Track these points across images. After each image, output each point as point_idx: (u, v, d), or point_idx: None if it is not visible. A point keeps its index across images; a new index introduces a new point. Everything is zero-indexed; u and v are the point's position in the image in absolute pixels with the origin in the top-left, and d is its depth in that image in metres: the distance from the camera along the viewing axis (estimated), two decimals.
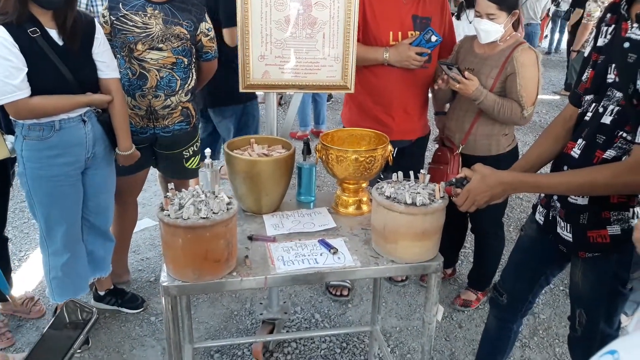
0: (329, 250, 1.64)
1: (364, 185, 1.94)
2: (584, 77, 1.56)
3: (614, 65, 1.42)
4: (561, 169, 1.56)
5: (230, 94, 2.98)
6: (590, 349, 1.64)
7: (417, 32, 2.44)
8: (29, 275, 3.02)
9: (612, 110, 1.42)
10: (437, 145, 2.76)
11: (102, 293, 2.69)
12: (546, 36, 11.19)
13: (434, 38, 2.37)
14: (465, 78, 2.33)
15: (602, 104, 1.45)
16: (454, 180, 1.63)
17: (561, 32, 10.88)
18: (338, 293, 2.88)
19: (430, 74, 2.59)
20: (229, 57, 2.89)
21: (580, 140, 1.51)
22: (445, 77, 2.38)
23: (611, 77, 1.43)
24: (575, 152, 1.51)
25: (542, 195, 1.70)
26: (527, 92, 2.33)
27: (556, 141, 1.65)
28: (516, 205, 4.09)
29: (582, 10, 7.23)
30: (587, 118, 1.51)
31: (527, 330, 2.70)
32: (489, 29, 2.35)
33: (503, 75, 2.37)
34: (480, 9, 2.35)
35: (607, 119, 1.43)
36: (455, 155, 2.53)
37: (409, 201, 1.55)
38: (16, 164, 2.28)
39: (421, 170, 1.71)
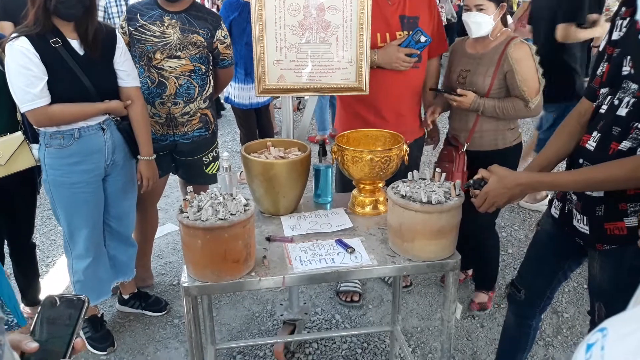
0: (346, 250, 1.66)
1: (380, 185, 1.96)
2: (599, 71, 1.56)
3: (629, 57, 1.42)
4: (577, 162, 1.56)
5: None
6: None
7: (406, 33, 2.43)
8: (56, 280, 3.11)
9: (628, 102, 1.41)
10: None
11: (126, 297, 2.75)
12: None
13: (423, 38, 2.36)
14: (459, 95, 2.39)
15: (617, 96, 1.45)
16: (471, 182, 1.64)
17: None
18: (348, 299, 2.85)
19: (421, 74, 2.58)
20: None
21: (595, 133, 1.50)
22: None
23: (626, 69, 1.43)
24: (591, 144, 1.51)
25: None
26: (528, 85, 2.35)
27: (572, 137, 1.65)
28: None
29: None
30: (602, 111, 1.51)
31: (551, 329, 2.68)
32: (479, 20, 2.36)
33: (500, 73, 2.39)
34: (468, 1, 2.38)
35: (622, 111, 1.42)
36: (461, 153, 2.53)
37: (424, 199, 1.56)
38: None
39: (437, 169, 1.73)
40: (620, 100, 1.44)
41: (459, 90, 2.39)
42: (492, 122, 2.48)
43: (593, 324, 1.68)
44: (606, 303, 1.60)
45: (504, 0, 2.38)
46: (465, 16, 2.40)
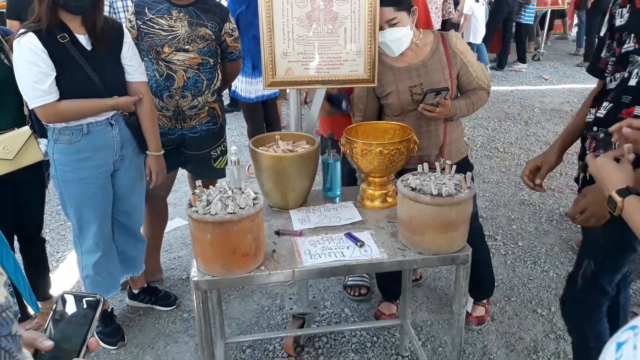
0: (356, 243, 1.65)
1: (390, 178, 1.94)
2: (603, 54, 1.69)
3: (632, 35, 1.55)
4: (590, 130, 1.66)
5: None
6: (584, 306, 1.73)
7: None
8: (66, 275, 3.12)
9: (637, 73, 1.52)
10: None
11: (136, 291, 2.76)
12: (577, 24, 10.46)
13: None
14: (436, 105, 2.09)
15: (627, 70, 1.56)
16: (598, 135, 1.46)
17: None
18: (356, 293, 2.84)
19: None
20: None
21: (606, 103, 1.61)
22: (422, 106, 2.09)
23: (630, 45, 1.55)
24: (601, 112, 1.62)
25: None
26: (482, 74, 2.23)
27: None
28: (548, 197, 4.01)
29: None
30: (611, 86, 1.62)
31: (562, 322, 2.65)
32: (397, 36, 2.08)
33: (455, 72, 2.19)
34: (379, 20, 2.07)
35: (632, 82, 1.53)
36: None
37: (434, 192, 1.55)
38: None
39: (447, 161, 1.71)
40: (630, 73, 1.55)
41: (438, 100, 2.06)
42: (458, 127, 2.30)
43: (574, 283, 1.74)
44: (596, 260, 1.65)
45: (413, 5, 2.12)
46: (382, 37, 2.08)
